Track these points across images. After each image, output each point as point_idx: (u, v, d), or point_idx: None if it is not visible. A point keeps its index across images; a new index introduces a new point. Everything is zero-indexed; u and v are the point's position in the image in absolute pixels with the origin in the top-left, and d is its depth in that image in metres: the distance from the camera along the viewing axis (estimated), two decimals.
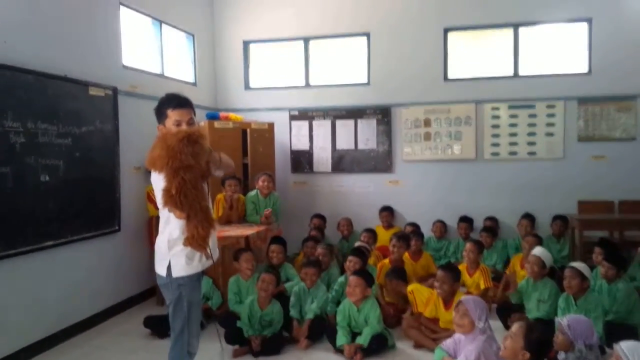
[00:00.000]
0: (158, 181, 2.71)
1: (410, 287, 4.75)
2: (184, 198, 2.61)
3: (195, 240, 2.70)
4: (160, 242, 2.90)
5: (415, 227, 6.66)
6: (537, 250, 4.70)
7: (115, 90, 5.28)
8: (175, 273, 2.84)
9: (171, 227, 2.82)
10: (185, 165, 2.60)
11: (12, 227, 4.06)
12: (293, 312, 4.64)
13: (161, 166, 2.63)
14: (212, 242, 2.92)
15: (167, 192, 2.63)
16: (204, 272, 3.06)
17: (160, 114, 2.87)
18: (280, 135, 7.37)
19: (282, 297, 4.76)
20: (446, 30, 7.06)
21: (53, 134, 4.47)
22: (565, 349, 3.17)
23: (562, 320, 3.23)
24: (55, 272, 4.56)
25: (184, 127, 2.78)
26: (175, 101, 2.85)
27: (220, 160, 2.89)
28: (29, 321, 4.28)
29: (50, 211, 4.44)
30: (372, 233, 6.27)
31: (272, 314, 4.45)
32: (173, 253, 2.83)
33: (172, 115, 2.82)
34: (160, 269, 2.91)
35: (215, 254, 3.01)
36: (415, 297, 4.66)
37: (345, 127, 7.41)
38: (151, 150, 2.74)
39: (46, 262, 4.44)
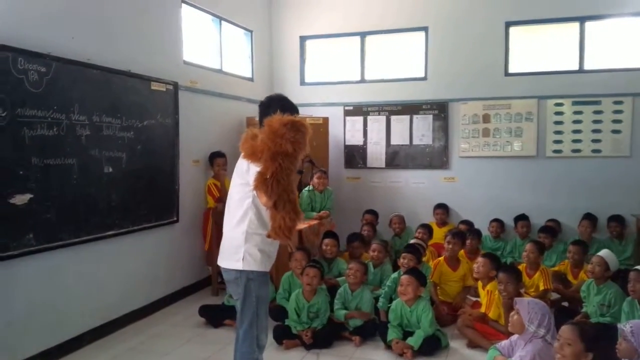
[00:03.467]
0: (253, 170, 2.73)
1: (489, 286, 4.54)
2: (276, 184, 2.62)
3: (282, 230, 2.68)
4: (236, 234, 2.89)
5: (469, 225, 6.52)
6: (603, 252, 4.51)
7: (176, 85, 5.42)
8: (247, 266, 2.86)
9: (250, 218, 2.84)
10: (284, 151, 2.63)
11: (77, 216, 4.24)
12: (338, 315, 4.56)
13: (261, 152, 2.66)
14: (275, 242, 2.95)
15: (261, 175, 2.64)
16: None
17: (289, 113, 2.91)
18: (335, 130, 7.37)
19: (334, 291, 4.79)
20: (508, 24, 6.84)
21: (116, 127, 4.64)
22: (630, 357, 2.97)
23: (625, 326, 2.99)
24: (117, 260, 4.74)
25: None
26: (298, 110, 3.10)
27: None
28: (92, 307, 4.47)
29: (113, 202, 4.61)
30: (427, 229, 6.19)
31: (318, 304, 4.47)
32: (248, 246, 2.85)
33: None
34: (231, 263, 2.91)
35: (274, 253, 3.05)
36: (490, 298, 4.47)
37: (400, 123, 7.32)
38: (248, 140, 2.78)
39: (108, 250, 4.62)
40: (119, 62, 4.68)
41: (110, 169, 4.57)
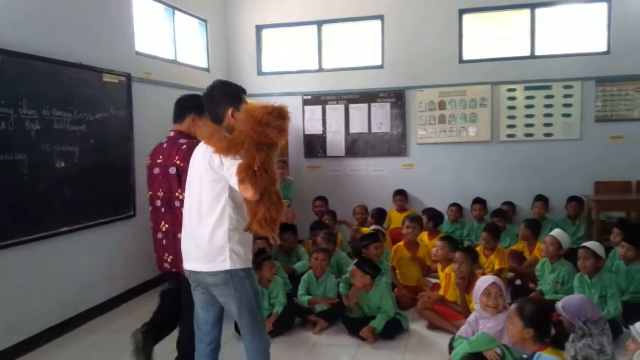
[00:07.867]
0: (229, 164, 2.52)
1: (447, 269, 4.57)
2: (266, 175, 2.44)
3: (267, 222, 2.50)
4: (218, 234, 2.64)
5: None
6: (555, 231, 4.67)
7: (128, 77, 5.31)
8: (235, 265, 2.64)
9: (230, 215, 2.63)
10: (268, 141, 2.47)
11: (29, 213, 4.12)
12: (302, 300, 4.59)
13: (241, 144, 2.48)
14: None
15: (248, 167, 2.43)
16: None
17: (237, 99, 2.79)
18: (293, 120, 7.29)
19: (292, 278, 4.91)
20: (461, 12, 6.95)
21: (68, 120, 4.52)
22: (569, 329, 3.18)
23: (558, 304, 3.26)
24: (72, 257, 4.63)
25: None
26: (244, 90, 2.90)
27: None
28: (48, 305, 4.36)
29: (66, 197, 4.49)
30: (380, 212, 6.23)
31: (276, 289, 4.50)
32: (232, 244, 2.63)
33: (247, 101, 2.84)
34: (216, 265, 2.65)
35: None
36: (449, 281, 4.51)
37: (358, 111, 7.38)
38: (215, 134, 2.59)
39: (63, 247, 4.51)
40: (69, 54, 4.55)
41: (63, 164, 4.45)
